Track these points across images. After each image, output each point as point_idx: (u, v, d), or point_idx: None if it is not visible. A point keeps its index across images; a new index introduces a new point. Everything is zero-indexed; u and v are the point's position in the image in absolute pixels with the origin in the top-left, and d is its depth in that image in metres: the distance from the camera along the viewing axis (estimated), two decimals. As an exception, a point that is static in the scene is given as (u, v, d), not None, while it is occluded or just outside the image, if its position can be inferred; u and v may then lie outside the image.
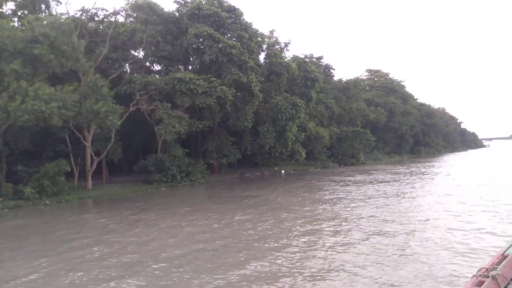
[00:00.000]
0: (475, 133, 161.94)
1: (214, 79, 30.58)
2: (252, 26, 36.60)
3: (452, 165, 47.00)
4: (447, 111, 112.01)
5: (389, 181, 26.83)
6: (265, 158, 42.21)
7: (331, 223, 14.00)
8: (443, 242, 10.94)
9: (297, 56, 42.80)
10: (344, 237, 12.15)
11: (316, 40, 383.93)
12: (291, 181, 31.98)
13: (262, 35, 36.23)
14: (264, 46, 46.35)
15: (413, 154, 77.41)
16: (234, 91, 31.13)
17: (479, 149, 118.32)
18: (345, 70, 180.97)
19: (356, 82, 63.83)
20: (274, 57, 36.83)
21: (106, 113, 23.42)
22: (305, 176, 35.97)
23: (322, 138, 45.29)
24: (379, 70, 76.42)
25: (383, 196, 19.68)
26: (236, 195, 23.22)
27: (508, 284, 3.85)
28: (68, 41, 22.30)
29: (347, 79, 63.65)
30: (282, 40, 50.90)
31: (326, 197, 20.55)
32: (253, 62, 32.41)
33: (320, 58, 61.87)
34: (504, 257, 4.20)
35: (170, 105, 29.25)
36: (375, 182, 26.77)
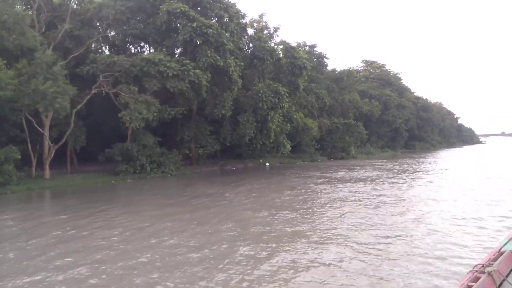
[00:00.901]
0: (472, 129, 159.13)
1: (188, 61, 27.50)
2: (236, 7, 33.32)
3: (446, 162, 44.07)
4: (444, 106, 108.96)
5: (371, 180, 23.85)
6: (249, 149, 39.37)
7: (259, 240, 10.72)
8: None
9: (284, 41, 39.61)
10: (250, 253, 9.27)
11: (313, 30, 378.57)
12: (268, 176, 29.11)
13: (244, 16, 32.90)
14: (252, 30, 43.21)
15: (407, 149, 74.53)
16: (209, 75, 28.04)
17: (475, 145, 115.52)
18: (341, 61, 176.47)
19: (349, 73, 60.66)
20: (257, 40, 33.60)
21: (55, 95, 20.37)
22: (287, 170, 33.07)
23: (310, 130, 42.31)
24: (375, 61, 73.13)
25: (353, 199, 16.62)
26: (193, 192, 20.25)
27: (504, 280, 3.80)
28: (10, 11, 19.20)
29: (341, 70, 60.54)
30: (272, 25, 47.88)
31: (288, 198, 17.56)
32: (232, 44, 29.24)
33: (313, 46, 58.70)
34: (500, 253, 4.19)
35: (137, 88, 26.21)
36: (356, 180, 23.79)
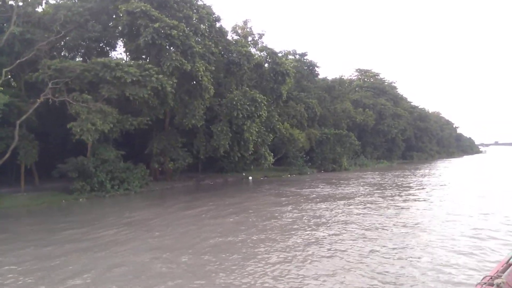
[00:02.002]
0: (472, 138, 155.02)
1: (150, 66, 24.27)
2: (211, 8, 30.12)
3: (443, 175, 40.20)
4: (443, 115, 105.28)
5: (348, 198, 20.15)
6: (232, 163, 35.97)
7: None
8: None
9: (266, 46, 36.39)
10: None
11: (306, 39, 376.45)
12: (238, 193, 25.37)
13: (219, 19, 29.58)
14: (236, 37, 40.22)
15: (405, 160, 70.82)
16: (175, 81, 24.75)
17: (475, 155, 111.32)
18: (335, 70, 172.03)
19: (341, 81, 57.44)
20: (234, 45, 30.33)
21: (-23, 103, 17.15)
22: (266, 185, 29.56)
23: (296, 141, 38.80)
24: (369, 70, 69.78)
25: (307, 232, 12.79)
26: (121, 215, 16.79)
27: None
28: None
29: (332, 78, 57.29)
30: (258, 31, 44.77)
31: (228, 226, 13.78)
32: (201, 47, 25.96)
33: (303, 54, 55.80)
34: (508, 265, 4.05)
35: (90, 97, 22.91)
36: (331, 199, 20.01)
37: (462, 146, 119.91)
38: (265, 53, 35.40)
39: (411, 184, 27.68)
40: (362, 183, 28.04)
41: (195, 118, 26.47)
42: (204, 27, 27.30)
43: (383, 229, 12.35)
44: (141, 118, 25.41)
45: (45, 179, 28.74)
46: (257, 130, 29.63)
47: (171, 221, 15.21)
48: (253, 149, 30.48)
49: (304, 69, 54.51)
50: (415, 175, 36.87)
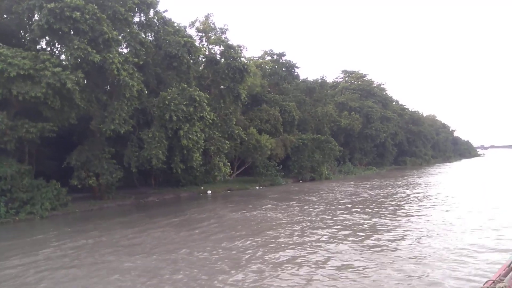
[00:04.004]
0: (470, 141, 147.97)
1: (48, 56, 18.47)
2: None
3: (435, 184, 33.78)
4: (438, 118, 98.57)
5: (266, 235, 13.93)
6: (190, 175, 29.88)
7: None
8: None
9: (219, 39, 30.57)
10: None
11: (292, 42, 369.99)
12: (152, 219, 18.98)
13: (152, 3, 23.58)
14: (191, 30, 34.41)
15: (397, 165, 64.40)
16: (82, 75, 18.86)
17: (473, 159, 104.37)
18: (321, 73, 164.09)
19: (323, 83, 51.41)
20: (172, 34, 24.42)
21: None
22: (207, 205, 23.64)
23: (264, 148, 32.71)
24: (356, 71, 63.59)
25: None
26: None
27: None
28: None
29: (313, 80, 51.33)
30: (223, 27, 38.91)
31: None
32: (117, 34, 20.09)
33: (281, 54, 50.21)
34: (510, 269, 3.95)
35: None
36: (240, 238, 13.39)
37: (460, 150, 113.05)
38: (220, 47, 29.58)
39: (382, 201, 21.15)
40: (322, 200, 21.62)
41: (114, 122, 20.51)
42: (123, 10, 21.26)
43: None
44: (42, 124, 19.48)
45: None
46: (201, 136, 23.57)
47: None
48: (200, 159, 24.39)
49: (282, 70, 48.78)
50: (396, 186, 30.31)
